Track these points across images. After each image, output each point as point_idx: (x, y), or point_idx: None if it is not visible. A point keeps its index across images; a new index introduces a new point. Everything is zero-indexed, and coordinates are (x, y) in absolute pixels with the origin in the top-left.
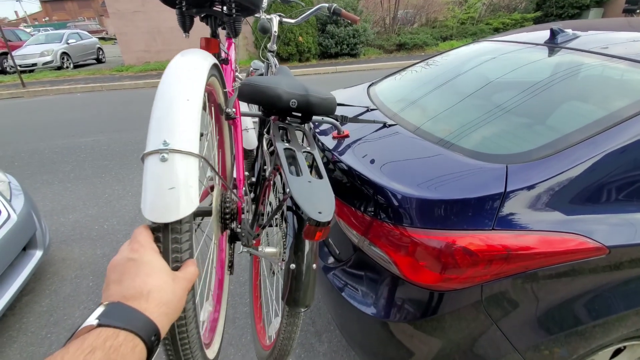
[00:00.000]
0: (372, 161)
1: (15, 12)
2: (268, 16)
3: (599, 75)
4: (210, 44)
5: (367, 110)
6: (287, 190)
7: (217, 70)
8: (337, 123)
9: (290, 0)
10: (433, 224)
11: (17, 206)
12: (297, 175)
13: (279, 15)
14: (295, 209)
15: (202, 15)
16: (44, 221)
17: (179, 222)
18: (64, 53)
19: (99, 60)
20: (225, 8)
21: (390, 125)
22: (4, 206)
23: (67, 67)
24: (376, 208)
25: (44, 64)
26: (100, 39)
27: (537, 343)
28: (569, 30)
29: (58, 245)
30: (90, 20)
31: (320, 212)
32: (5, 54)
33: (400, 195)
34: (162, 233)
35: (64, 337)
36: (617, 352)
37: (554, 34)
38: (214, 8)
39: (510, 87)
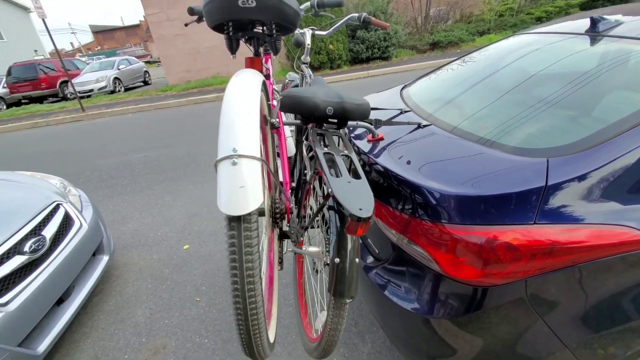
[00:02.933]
0: (409, 162)
1: (71, 43)
2: (301, 30)
3: None
4: (255, 62)
5: (401, 112)
6: (329, 190)
7: (264, 86)
8: (372, 127)
9: (322, 13)
10: (472, 219)
11: (87, 216)
12: (337, 176)
13: (312, 29)
14: (337, 207)
15: (246, 38)
16: (109, 229)
17: (249, 215)
18: (115, 78)
19: (146, 83)
20: (266, 29)
21: (424, 126)
22: (77, 217)
23: (119, 91)
24: (414, 207)
25: (99, 89)
26: (146, 62)
27: (588, 339)
28: (611, 17)
29: (120, 251)
30: (137, 46)
31: (360, 209)
32: (66, 82)
33: (438, 193)
34: (236, 225)
35: (130, 333)
36: None
37: (594, 22)
38: (256, 30)
39: (551, 79)
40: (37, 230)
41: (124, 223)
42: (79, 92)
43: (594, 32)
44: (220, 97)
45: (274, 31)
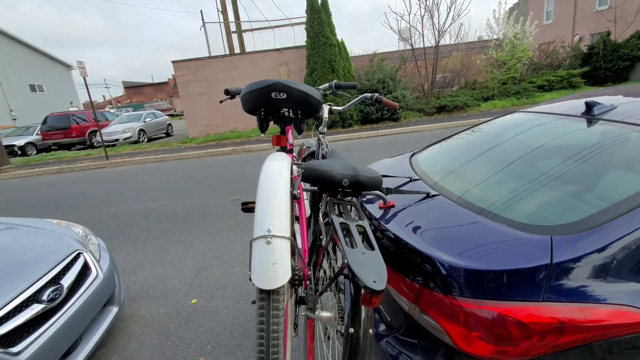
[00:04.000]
0: (417, 230)
1: (103, 96)
2: (324, 107)
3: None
4: (281, 140)
5: (410, 180)
6: (345, 261)
7: (290, 166)
8: (383, 195)
9: (339, 92)
10: (483, 294)
11: (104, 265)
12: (352, 247)
13: (329, 104)
14: (352, 277)
15: (275, 119)
16: (121, 279)
17: (278, 289)
18: (141, 130)
19: (168, 134)
20: (292, 113)
21: (433, 196)
22: (95, 266)
23: (142, 141)
24: (424, 277)
25: (125, 139)
26: (170, 115)
27: None
28: (605, 102)
29: (128, 302)
30: (162, 100)
31: (375, 281)
32: (95, 131)
33: (448, 265)
34: (266, 297)
35: None
36: None
37: (589, 106)
38: (282, 113)
39: (550, 158)
40: (56, 279)
41: (134, 272)
42: (105, 141)
43: (589, 116)
44: (235, 150)
45: (299, 115)
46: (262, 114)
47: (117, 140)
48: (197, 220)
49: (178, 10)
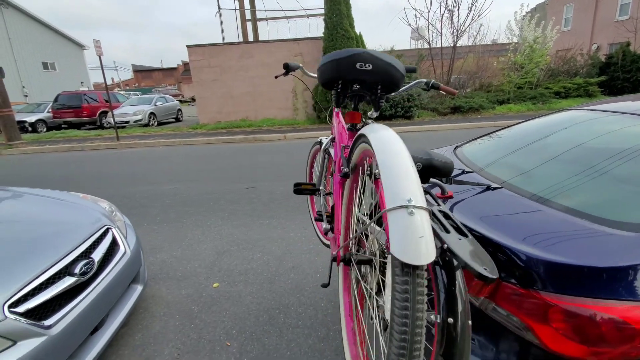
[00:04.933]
0: (488, 220)
1: (112, 78)
2: None
3: None
4: (355, 116)
5: (463, 172)
6: (444, 246)
7: None
8: (442, 184)
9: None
10: (574, 290)
11: (131, 243)
12: (447, 232)
13: None
14: (445, 263)
15: (352, 95)
16: (144, 258)
17: (423, 266)
18: (151, 113)
19: (177, 119)
20: (378, 89)
21: (495, 189)
22: (123, 242)
23: (152, 125)
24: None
25: (135, 121)
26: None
27: None
28: None
29: (148, 282)
30: (171, 86)
31: (486, 269)
32: (105, 112)
33: (532, 257)
34: (410, 273)
35: None
36: None
37: None
38: (357, 88)
39: (629, 156)
40: (87, 253)
41: (153, 253)
42: (117, 122)
43: None
44: (247, 139)
45: (379, 91)
46: (339, 87)
47: (127, 122)
48: (213, 205)
49: None
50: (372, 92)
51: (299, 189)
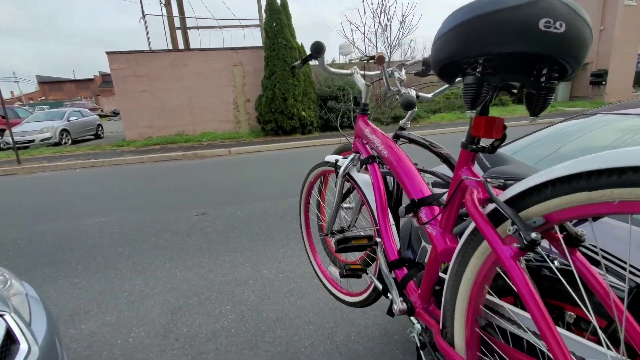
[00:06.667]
0: None
1: (12, 92)
2: (405, 90)
3: None
4: (496, 126)
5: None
6: None
7: None
8: None
9: (430, 74)
10: None
11: (39, 331)
12: None
13: (415, 89)
14: None
15: (502, 85)
16: (65, 351)
17: None
18: (63, 130)
19: (97, 136)
20: (546, 72)
21: None
22: (24, 335)
23: (65, 143)
24: None
25: (42, 140)
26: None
27: None
28: None
29: None
30: (87, 99)
31: None
32: (2, 130)
33: None
34: None
35: None
36: None
37: None
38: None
39: None
40: None
41: (75, 323)
42: (17, 142)
43: None
44: (186, 155)
45: (555, 76)
46: (479, 70)
47: (31, 141)
48: (155, 241)
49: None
50: (538, 78)
51: (346, 247)
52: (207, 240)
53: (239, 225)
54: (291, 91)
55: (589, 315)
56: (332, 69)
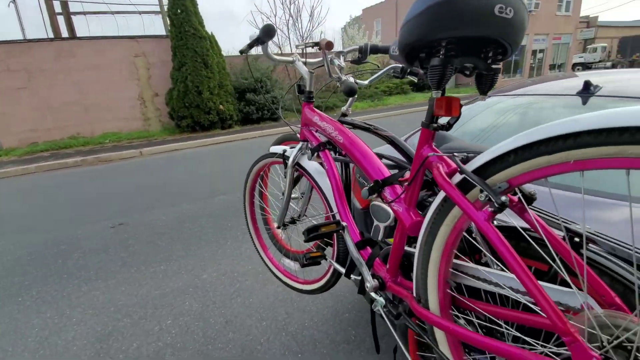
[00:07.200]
0: None
1: None
2: (345, 77)
3: None
4: (453, 105)
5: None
6: None
7: None
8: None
9: (367, 61)
10: None
11: None
12: None
13: (352, 76)
14: None
15: (459, 68)
16: None
17: None
18: None
19: None
20: (492, 54)
21: None
22: None
23: None
24: None
25: None
26: None
27: None
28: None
29: None
30: None
31: None
32: None
33: None
34: None
35: None
36: None
37: (587, 85)
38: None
39: None
40: None
41: None
42: None
43: (588, 93)
44: (86, 161)
45: (499, 57)
46: (442, 52)
47: None
48: (64, 263)
49: None
50: (486, 60)
51: (317, 235)
52: (130, 252)
53: (167, 231)
54: (205, 84)
55: (554, 266)
56: (275, 56)
